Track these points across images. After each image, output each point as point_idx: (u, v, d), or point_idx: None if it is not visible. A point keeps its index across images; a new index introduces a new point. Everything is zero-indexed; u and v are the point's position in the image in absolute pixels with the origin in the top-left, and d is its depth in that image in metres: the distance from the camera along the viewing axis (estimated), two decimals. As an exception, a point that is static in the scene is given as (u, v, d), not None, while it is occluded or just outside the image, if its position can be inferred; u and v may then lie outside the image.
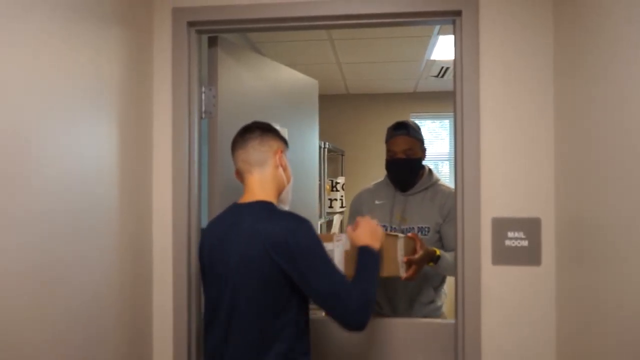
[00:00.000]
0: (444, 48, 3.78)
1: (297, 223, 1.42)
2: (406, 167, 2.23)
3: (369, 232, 1.57)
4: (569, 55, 1.59)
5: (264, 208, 1.49)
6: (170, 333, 1.83)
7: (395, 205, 2.25)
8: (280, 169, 1.57)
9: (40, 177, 1.21)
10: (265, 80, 2.33)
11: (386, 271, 1.77)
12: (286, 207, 1.61)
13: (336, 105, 5.35)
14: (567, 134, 1.61)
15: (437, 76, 4.76)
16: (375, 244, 1.55)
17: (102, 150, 1.49)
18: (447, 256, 2.08)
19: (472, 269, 1.73)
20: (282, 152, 1.58)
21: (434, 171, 2.35)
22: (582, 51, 1.47)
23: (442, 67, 4.46)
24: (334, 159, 5.51)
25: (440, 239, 2.24)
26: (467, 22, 1.75)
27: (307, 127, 2.68)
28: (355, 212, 2.37)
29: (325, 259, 1.41)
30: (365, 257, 1.52)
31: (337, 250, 1.75)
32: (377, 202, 2.31)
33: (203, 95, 1.94)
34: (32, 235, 1.18)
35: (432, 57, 4.09)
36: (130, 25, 1.67)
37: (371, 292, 1.43)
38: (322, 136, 3.27)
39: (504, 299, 1.72)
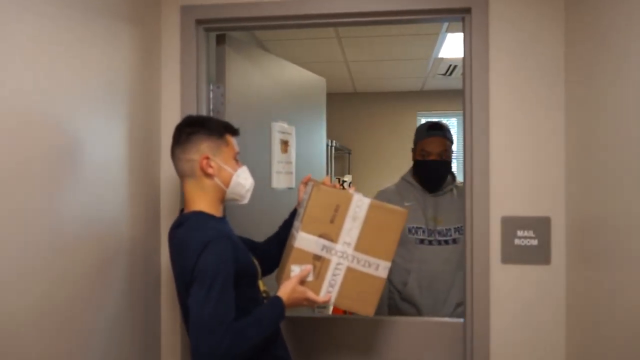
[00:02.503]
0: (452, 46, 3.77)
1: (208, 239, 1.30)
2: (440, 169, 2.19)
3: (293, 293, 1.41)
4: (580, 54, 1.57)
5: (193, 220, 1.39)
6: (178, 337, 1.84)
7: (427, 207, 2.23)
8: (209, 178, 1.41)
9: (47, 172, 1.21)
10: (273, 78, 2.32)
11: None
12: (245, 201, 1.51)
13: (343, 104, 5.35)
14: (577, 132, 1.59)
15: (444, 74, 4.74)
16: (289, 303, 1.40)
17: (110, 148, 1.49)
18: None
19: (481, 267, 1.72)
20: (208, 157, 1.40)
21: (454, 172, 2.35)
22: (594, 50, 1.46)
23: (450, 65, 4.44)
24: (341, 158, 5.51)
25: None
26: (476, 20, 1.73)
27: (315, 126, 2.68)
28: None
29: (217, 288, 1.25)
30: (271, 308, 1.37)
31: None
32: (406, 203, 2.26)
33: (211, 93, 1.94)
34: (36, 229, 1.18)
35: (440, 55, 4.08)
36: (138, 23, 1.67)
37: (240, 348, 1.25)
38: (329, 135, 3.27)
39: (513, 298, 1.71)
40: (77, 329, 1.32)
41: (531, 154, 1.71)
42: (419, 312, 2.18)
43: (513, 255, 1.71)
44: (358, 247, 1.47)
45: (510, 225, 1.71)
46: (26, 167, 1.13)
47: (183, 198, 1.84)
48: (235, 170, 1.46)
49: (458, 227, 2.21)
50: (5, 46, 1.06)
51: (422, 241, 2.21)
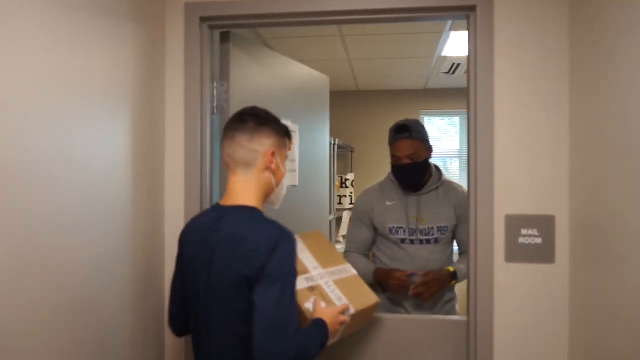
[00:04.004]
0: (456, 44, 3.75)
1: (280, 236, 1.27)
2: (413, 172, 2.18)
3: (323, 314, 1.42)
4: (585, 52, 1.57)
5: (246, 214, 1.34)
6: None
7: (410, 206, 2.23)
8: (268, 173, 1.39)
9: (51, 173, 1.21)
10: (277, 76, 2.32)
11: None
12: (277, 206, 1.51)
13: (346, 102, 5.34)
14: (582, 131, 1.59)
15: (448, 73, 4.72)
16: (333, 329, 1.40)
17: (114, 146, 1.49)
18: (462, 267, 2.17)
19: (485, 266, 1.72)
20: (274, 153, 1.38)
21: (441, 168, 2.34)
22: (599, 48, 1.45)
23: (454, 64, 4.42)
24: (344, 156, 5.51)
25: (453, 239, 2.28)
26: (481, 18, 1.73)
27: (318, 124, 2.68)
28: (365, 213, 2.30)
29: (290, 288, 1.26)
30: (317, 328, 1.36)
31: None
32: (388, 203, 2.27)
33: (215, 90, 1.94)
34: (42, 228, 1.18)
35: (444, 54, 4.06)
36: (143, 20, 1.67)
37: (306, 347, 1.26)
38: (332, 133, 3.26)
39: (517, 297, 1.71)
40: (77, 331, 1.32)
41: (536, 152, 1.71)
42: (406, 312, 2.20)
43: (517, 253, 1.71)
44: (323, 265, 1.66)
45: (515, 223, 1.71)
46: (27, 167, 1.12)
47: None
48: (285, 173, 1.46)
49: (441, 227, 2.20)
50: (7, 45, 1.05)
51: (403, 241, 2.22)
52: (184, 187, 1.85)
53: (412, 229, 2.20)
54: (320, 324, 1.37)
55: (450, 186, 2.28)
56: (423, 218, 2.21)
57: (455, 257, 2.35)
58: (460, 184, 2.35)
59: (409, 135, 2.15)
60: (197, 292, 1.37)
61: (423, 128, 2.22)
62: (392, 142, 2.20)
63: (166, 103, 1.86)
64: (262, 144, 1.37)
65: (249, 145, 1.36)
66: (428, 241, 2.20)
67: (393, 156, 2.20)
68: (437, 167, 2.32)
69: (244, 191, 1.37)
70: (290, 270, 1.27)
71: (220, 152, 1.44)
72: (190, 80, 1.85)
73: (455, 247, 2.34)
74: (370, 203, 2.31)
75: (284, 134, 1.44)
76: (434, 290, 2.11)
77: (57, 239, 1.22)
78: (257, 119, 1.39)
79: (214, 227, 1.35)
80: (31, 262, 1.13)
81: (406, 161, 2.15)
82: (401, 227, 2.21)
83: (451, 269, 2.19)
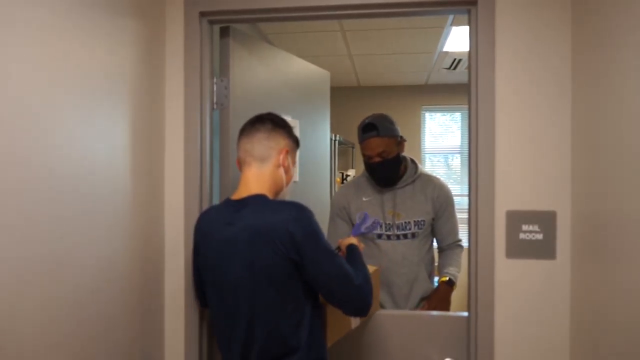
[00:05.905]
0: (457, 39, 3.74)
1: (299, 211, 1.39)
2: (386, 169, 2.16)
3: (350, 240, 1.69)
4: (587, 47, 1.56)
5: (262, 201, 1.44)
6: (182, 324, 1.84)
7: (385, 201, 2.21)
8: (281, 170, 1.51)
9: (52, 168, 1.21)
10: (278, 72, 2.31)
11: (336, 334, 1.64)
12: None
13: (347, 98, 5.32)
14: (584, 126, 1.58)
15: (449, 68, 4.72)
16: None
17: (114, 141, 1.49)
18: (452, 270, 2.22)
19: (486, 262, 1.71)
20: (287, 152, 1.52)
21: (416, 161, 2.32)
22: (602, 43, 1.44)
23: (455, 59, 4.42)
24: (345, 152, 5.50)
25: (432, 232, 2.27)
26: (482, 12, 1.72)
27: (319, 119, 2.67)
28: (342, 209, 2.30)
29: (329, 245, 1.41)
30: (354, 253, 1.58)
31: None
32: (364, 198, 2.26)
33: (215, 86, 1.94)
34: (43, 225, 1.18)
35: (445, 49, 4.06)
36: (142, 15, 1.66)
37: (368, 275, 1.48)
38: (333, 129, 3.26)
39: (518, 293, 1.70)
40: (80, 325, 1.32)
41: (537, 148, 1.70)
42: (382, 307, 2.19)
43: (518, 249, 1.70)
44: None
45: (515, 219, 1.70)
46: (28, 165, 1.11)
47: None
48: (293, 176, 1.59)
49: (418, 221, 2.18)
50: (4, 39, 1.04)
51: (379, 236, 2.20)
52: (184, 182, 1.84)
53: (389, 224, 2.19)
54: (352, 249, 1.60)
55: (427, 179, 2.26)
56: (399, 213, 2.19)
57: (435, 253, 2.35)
58: (438, 176, 2.36)
59: (377, 133, 2.12)
60: (222, 283, 1.45)
61: (391, 123, 2.19)
62: (361, 141, 2.18)
63: (166, 98, 1.85)
64: (278, 143, 1.51)
65: (267, 142, 1.50)
66: (405, 236, 2.19)
67: (364, 155, 2.18)
68: (412, 160, 2.30)
69: (258, 182, 1.48)
70: (320, 231, 1.40)
71: (237, 148, 1.57)
72: (190, 75, 1.84)
73: (435, 244, 2.34)
74: (346, 199, 2.30)
75: (295, 140, 1.59)
76: (446, 308, 2.16)
77: (58, 237, 1.21)
78: (274, 122, 1.54)
79: (229, 219, 1.43)
80: (36, 259, 1.13)
81: (377, 159, 2.14)
82: (377, 223, 2.20)
83: (444, 278, 2.20)
